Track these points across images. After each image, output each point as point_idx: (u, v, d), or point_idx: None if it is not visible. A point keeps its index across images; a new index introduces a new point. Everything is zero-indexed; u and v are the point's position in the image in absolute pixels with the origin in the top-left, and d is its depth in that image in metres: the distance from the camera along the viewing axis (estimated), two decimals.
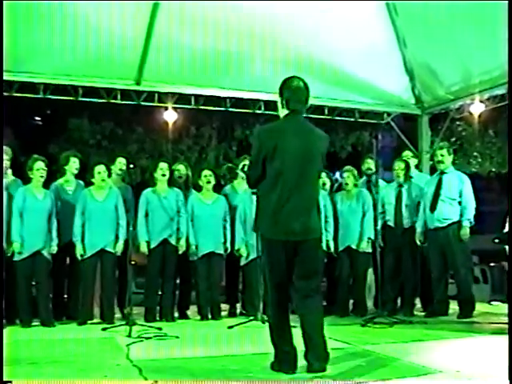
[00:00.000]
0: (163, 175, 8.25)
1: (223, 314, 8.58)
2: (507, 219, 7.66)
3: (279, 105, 4.82)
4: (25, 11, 8.29)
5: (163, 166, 8.30)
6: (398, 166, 8.56)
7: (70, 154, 8.52)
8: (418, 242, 8.31)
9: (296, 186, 4.62)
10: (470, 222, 8.12)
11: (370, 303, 8.94)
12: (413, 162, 9.08)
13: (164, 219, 8.17)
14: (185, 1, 8.86)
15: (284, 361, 4.67)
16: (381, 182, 8.62)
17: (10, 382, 3.74)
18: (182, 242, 8.26)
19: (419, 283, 8.55)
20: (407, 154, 9.24)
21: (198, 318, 8.39)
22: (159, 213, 8.17)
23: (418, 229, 8.32)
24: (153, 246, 8.14)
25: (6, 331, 7.29)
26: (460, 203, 8.12)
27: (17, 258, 7.62)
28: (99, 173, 7.97)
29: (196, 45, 9.30)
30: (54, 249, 7.80)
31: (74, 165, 8.33)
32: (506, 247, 7.66)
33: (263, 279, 4.96)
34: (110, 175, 8.22)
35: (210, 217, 8.41)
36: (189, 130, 17.44)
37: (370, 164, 8.86)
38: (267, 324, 7.14)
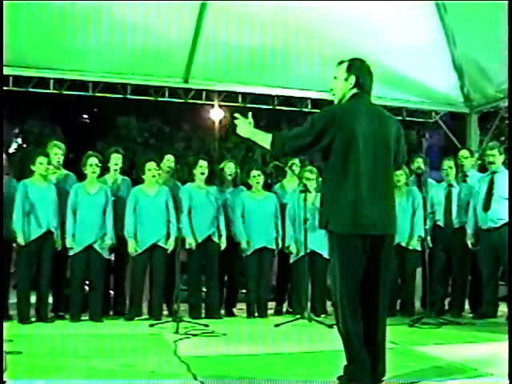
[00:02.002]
0: (202, 173, 8.27)
1: (270, 311, 8.57)
2: None
3: (342, 85, 4.36)
4: (73, 11, 8.39)
5: (203, 164, 8.31)
6: (447, 165, 8.44)
7: (112, 150, 8.59)
8: (470, 244, 8.17)
9: (373, 173, 4.17)
10: None
11: (417, 303, 8.85)
12: (469, 161, 8.87)
13: (207, 216, 8.20)
14: (232, 0, 8.87)
15: (355, 373, 4.11)
16: (430, 182, 8.51)
17: (5, 382, 3.75)
18: (223, 239, 8.27)
19: (468, 284, 8.43)
20: (463, 153, 8.97)
21: (244, 315, 8.39)
22: (202, 210, 8.19)
23: (469, 230, 8.17)
24: (196, 242, 8.16)
25: (54, 325, 7.44)
26: None
27: (70, 252, 7.72)
28: (150, 169, 8.03)
29: (243, 43, 9.31)
30: (109, 243, 7.86)
31: (114, 161, 8.40)
32: None
33: (333, 281, 4.28)
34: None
35: (261, 212, 8.39)
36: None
37: (419, 163, 8.73)
38: (314, 323, 7.31)
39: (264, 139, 4.36)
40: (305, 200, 7.61)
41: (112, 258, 8.37)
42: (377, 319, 4.19)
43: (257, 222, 8.37)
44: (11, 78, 9.33)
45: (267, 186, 8.96)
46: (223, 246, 8.29)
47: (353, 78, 4.34)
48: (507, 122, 16.34)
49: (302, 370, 4.80)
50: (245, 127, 4.46)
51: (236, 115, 4.49)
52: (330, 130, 4.16)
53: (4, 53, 8.67)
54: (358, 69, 4.38)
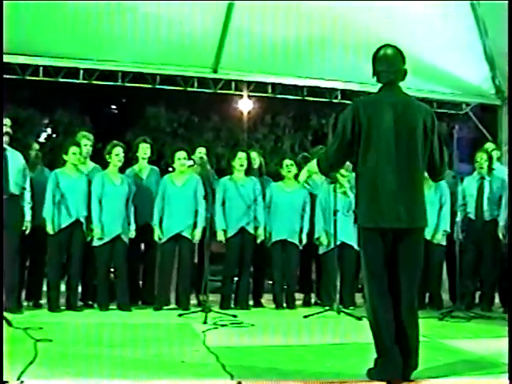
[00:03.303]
0: (241, 165, 8.25)
1: (298, 303, 8.54)
2: None
3: (374, 78, 4.38)
4: (104, 2, 8.40)
5: (241, 156, 8.28)
6: (481, 157, 8.33)
7: (140, 140, 8.60)
8: (501, 236, 8.08)
9: (396, 167, 4.10)
10: None
11: (445, 296, 8.77)
12: (495, 154, 8.81)
13: (241, 207, 8.16)
14: None
15: (386, 366, 4.07)
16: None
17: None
18: (260, 231, 8.23)
19: (499, 278, 8.34)
20: (489, 145, 8.94)
21: (272, 306, 8.38)
22: (236, 201, 8.16)
23: (501, 222, 8.07)
24: (230, 234, 8.14)
25: (83, 314, 7.49)
26: None
27: (96, 243, 7.75)
28: (179, 159, 8.02)
29: (273, 33, 9.26)
30: (133, 233, 7.90)
31: (142, 150, 8.41)
32: None
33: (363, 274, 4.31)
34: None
35: (287, 205, 8.34)
36: (264, 119, 17.45)
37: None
38: (343, 315, 7.28)
39: (314, 166, 4.52)
40: (334, 191, 7.58)
41: (140, 247, 8.41)
42: (406, 312, 4.15)
43: (281, 214, 8.32)
44: (41, 69, 9.37)
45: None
46: (261, 237, 8.27)
47: (374, 74, 4.36)
48: None
49: (331, 361, 4.77)
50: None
51: None
52: (355, 124, 4.17)
53: (34, 44, 8.75)
54: (377, 60, 4.36)
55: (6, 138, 7.32)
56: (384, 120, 4.15)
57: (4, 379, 3.73)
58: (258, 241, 8.24)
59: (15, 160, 7.35)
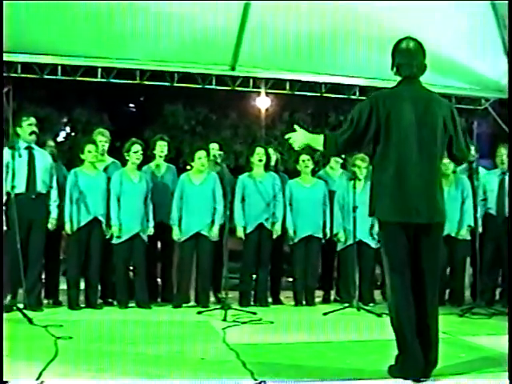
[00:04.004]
0: (260, 160, 8.24)
1: (317, 300, 8.52)
2: None
3: (393, 72, 4.33)
4: (120, 1, 8.41)
5: (260, 151, 8.29)
6: (501, 152, 8.27)
7: (157, 138, 8.62)
8: None
9: (417, 160, 4.08)
10: None
11: (466, 293, 8.72)
12: None
13: (260, 204, 8.16)
14: None
15: (408, 363, 4.04)
16: (481, 170, 8.36)
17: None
18: (277, 227, 8.22)
19: None
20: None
21: (291, 303, 8.36)
22: (255, 197, 8.17)
23: None
24: (249, 230, 8.15)
25: (103, 311, 7.52)
26: None
27: (115, 241, 7.77)
28: (200, 158, 8.03)
29: (291, 29, 9.21)
30: (151, 231, 7.92)
31: (160, 148, 8.41)
32: None
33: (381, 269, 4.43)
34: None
35: (308, 200, 8.33)
36: (282, 116, 17.42)
37: (470, 150, 8.57)
38: (362, 312, 7.26)
39: (317, 141, 4.36)
40: (354, 188, 7.55)
41: (157, 245, 8.43)
42: (426, 308, 4.11)
43: (304, 210, 8.31)
44: (59, 68, 9.39)
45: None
46: (278, 233, 8.26)
47: (394, 67, 4.30)
48: None
49: (352, 358, 4.77)
50: (299, 137, 4.45)
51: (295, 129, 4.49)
52: (373, 117, 4.13)
53: (52, 43, 8.77)
54: (398, 53, 4.30)
55: (33, 138, 7.40)
56: (405, 115, 4.12)
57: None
58: (274, 236, 8.23)
59: (43, 159, 7.50)
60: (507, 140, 8.82)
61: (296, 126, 4.49)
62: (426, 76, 4.34)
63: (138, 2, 8.48)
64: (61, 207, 7.59)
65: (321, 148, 4.35)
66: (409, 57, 4.26)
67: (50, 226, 7.47)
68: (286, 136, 4.50)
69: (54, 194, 7.55)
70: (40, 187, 7.36)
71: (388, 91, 4.33)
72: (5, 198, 7.11)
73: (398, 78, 4.32)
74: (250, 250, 8.19)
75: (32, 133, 7.38)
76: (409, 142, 4.10)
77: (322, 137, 4.33)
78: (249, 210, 8.18)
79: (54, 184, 7.56)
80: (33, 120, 7.48)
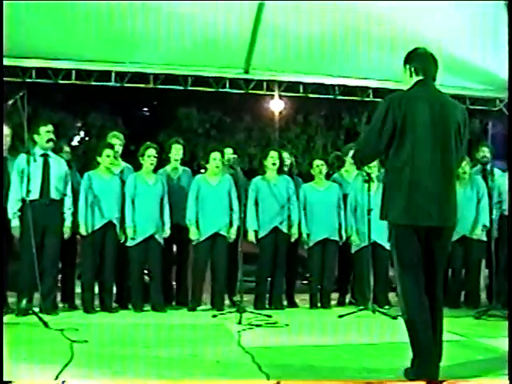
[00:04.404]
0: (273, 164, 8.24)
1: (332, 302, 8.51)
2: None
3: (406, 75, 4.36)
4: (133, 4, 8.42)
5: (274, 155, 8.30)
6: None
7: (173, 141, 8.63)
8: None
9: (431, 164, 4.07)
10: None
11: (482, 295, 8.68)
12: None
13: (275, 207, 8.16)
14: None
15: (424, 366, 4.01)
16: (496, 171, 8.32)
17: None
18: (294, 230, 8.23)
19: None
20: None
21: (307, 306, 8.35)
22: (269, 200, 8.17)
23: None
24: (264, 233, 8.15)
25: (118, 315, 7.53)
26: None
27: (130, 243, 7.79)
28: (214, 159, 8.05)
29: (304, 32, 9.20)
30: (167, 232, 7.92)
31: (175, 151, 8.42)
32: None
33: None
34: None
35: (323, 203, 8.33)
36: (296, 118, 17.41)
37: (485, 152, 8.53)
38: (378, 314, 7.24)
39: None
40: (368, 190, 7.53)
41: (173, 247, 8.43)
42: (435, 309, 4.12)
43: (318, 214, 8.31)
44: (74, 72, 9.42)
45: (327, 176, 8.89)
46: (295, 236, 8.25)
47: (411, 68, 4.31)
48: None
49: (367, 361, 4.75)
50: None
51: None
52: (388, 119, 4.12)
53: (66, 48, 8.81)
54: (416, 56, 4.34)
55: (50, 145, 7.45)
56: (420, 117, 4.11)
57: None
58: (292, 239, 8.22)
59: (58, 167, 7.53)
60: None
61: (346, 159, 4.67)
62: (441, 77, 4.33)
63: (151, 6, 8.50)
64: (75, 214, 7.62)
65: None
66: (423, 60, 4.31)
67: (64, 233, 7.51)
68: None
69: (68, 201, 7.56)
70: (54, 194, 7.38)
71: (403, 93, 4.32)
72: (20, 204, 7.17)
73: (414, 80, 4.31)
74: (265, 253, 8.19)
75: (49, 140, 7.42)
76: (423, 144, 4.09)
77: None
78: (263, 214, 8.18)
79: (69, 191, 7.58)
80: (50, 127, 7.52)
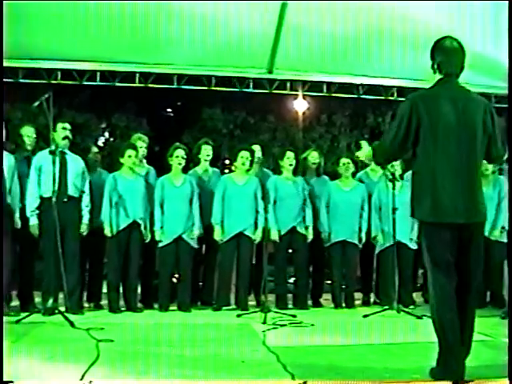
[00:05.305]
0: (290, 164, 8.24)
1: (357, 302, 8.49)
2: None
3: (432, 69, 4.30)
4: (156, 5, 8.45)
5: (290, 155, 8.28)
6: None
7: (202, 142, 8.64)
8: None
9: (456, 160, 4.06)
10: None
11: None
12: None
13: (291, 207, 8.16)
14: None
15: (450, 365, 3.99)
16: None
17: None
18: (310, 230, 8.22)
19: None
20: None
21: (331, 306, 8.34)
22: (286, 201, 8.17)
23: None
24: (281, 233, 8.14)
25: (143, 314, 7.56)
26: None
27: (159, 244, 7.84)
28: (242, 157, 8.07)
29: (328, 31, 9.17)
30: (197, 233, 7.93)
31: (205, 152, 8.44)
32: None
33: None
34: (252, 162, 8.22)
35: (347, 204, 8.29)
36: (320, 118, 17.40)
37: (506, 150, 8.44)
38: (402, 314, 7.21)
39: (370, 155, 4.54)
40: (393, 189, 7.50)
41: (201, 247, 8.45)
42: (467, 310, 4.09)
43: (341, 214, 8.27)
44: (98, 74, 9.49)
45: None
46: (310, 237, 8.23)
47: (435, 64, 4.27)
48: None
49: (392, 361, 4.73)
50: (365, 152, 4.69)
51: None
52: (413, 118, 4.11)
53: (91, 50, 8.86)
54: (440, 51, 4.28)
55: (66, 142, 7.46)
56: (445, 115, 4.08)
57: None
58: (308, 240, 8.22)
59: (74, 164, 7.53)
60: None
61: (363, 142, 4.63)
62: (466, 75, 4.30)
63: (175, 7, 8.52)
64: (94, 212, 7.66)
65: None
66: (449, 54, 4.24)
67: (82, 230, 7.53)
68: (357, 154, 4.73)
69: (86, 198, 7.59)
70: (71, 191, 7.41)
71: (426, 91, 4.30)
72: (37, 202, 7.24)
73: (437, 78, 4.28)
74: (281, 253, 8.22)
75: (65, 137, 7.44)
76: (448, 142, 4.07)
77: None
78: (281, 214, 8.16)
79: (87, 189, 7.61)
80: (67, 125, 7.56)
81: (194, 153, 8.43)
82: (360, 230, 8.33)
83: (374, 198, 8.32)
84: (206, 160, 8.45)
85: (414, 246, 8.00)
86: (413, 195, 4.24)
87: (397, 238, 7.72)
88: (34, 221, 7.28)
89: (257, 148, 8.56)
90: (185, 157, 8.02)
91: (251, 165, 8.15)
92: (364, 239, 8.33)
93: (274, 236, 8.08)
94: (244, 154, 8.10)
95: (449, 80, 4.24)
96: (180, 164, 7.97)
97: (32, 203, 7.28)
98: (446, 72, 4.23)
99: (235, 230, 7.94)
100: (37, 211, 7.27)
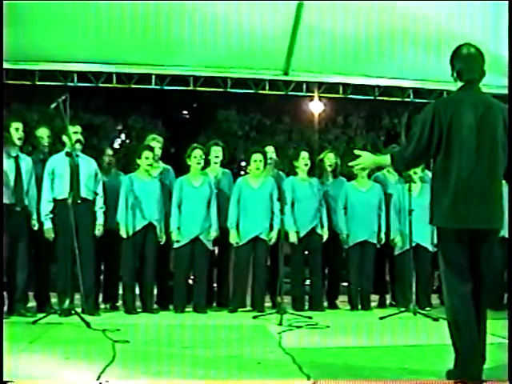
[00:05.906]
0: (306, 165, 8.23)
1: (373, 304, 8.47)
2: None
3: (452, 77, 4.30)
4: (171, 7, 8.47)
5: (305, 155, 8.27)
6: None
7: (212, 143, 8.66)
8: None
9: (477, 166, 4.03)
10: None
11: None
12: None
13: (308, 208, 8.15)
14: None
15: (467, 366, 3.97)
16: None
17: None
18: (325, 230, 8.21)
19: None
20: None
21: (347, 307, 8.32)
22: (304, 202, 8.15)
23: None
24: (299, 235, 8.13)
25: (159, 315, 7.58)
26: None
27: (175, 245, 7.86)
28: (255, 161, 8.06)
29: (343, 32, 9.16)
30: (213, 235, 7.95)
31: (214, 153, 8.44)
32: None
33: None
34: (265, 164, 8.21)
35: (364, 205, 8.28)
36: (336, 120, 17.38)
37: None
38: (419, 316, 7.18)
39: (384, 160, 4.58)
40: (409, 190, 7.47)
41: (216, 249, 8.46)
42: (479, 312, 4.07)
43: (359, 215, 8.27)
44: (115, 76, 9.51)
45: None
46: (325, 236, 8.21)
47: (454, 72, 4.27)
48: None
49: (409, 363, 4.70)
50: (365, 159, 4.55)
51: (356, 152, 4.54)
52: (435, 125, 4.10)
53: (107, 52, 8.89)
54: (459, 58, 4.27)
55: (78, 146, 7.46)
56: (466, 121, 4.08)
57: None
58: (323, 240, 8.21)
59: (87, 166, 7.55)
60: None
61: (357, 151, 4.53)
62: (486, 77, 4.28)
63: (189, 9, 8.53)
64: (108, 214, 7.68)
65: (388, 164, 4.56)
66: (468, 61, 4.23)
67: (96, 232, 7.55)
68: (350, 164, 4.64)
69: (99, 200, 7.61)
70: (84, 193, 7.40)
71: (449, 98, 4.36)
72: (51, 205, 7.27)
73: (459, 85, 4.27)
74: (298, 254, 8.21)
75: (77, 141, 7.44)
76: (469, 148, 4.06)
77: (388, 156, 4.39)
78: (299, 215, 8.16)
79: (100, 191, 7.62)
80: (78, 128, 7.57)
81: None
82: (379, 229, 8.32)
83: (393, 201, 8.29)
84: (215, 162, 8.44)
85: (432, 248, 7.97)
86: (432, 200, 4.24)
87: (416, 241, 7.71)
88: (48, 225, 7.32)
89: (270, 149, 8.56)
90: (203, 157, 8.04)
91: (264, 166, 8.14)
92: (384, 240, 8.32)
93: (293, 238, 8.07)
94: (257, 156, 8.09)
95: (470, 86, 4.23)
96: (199, 164, 7.99)
97: (46, 207, 7.31)
98: (467, 79, 4.22)
99: (251, 234, 7.94)
100: (51, 215, 7.30)
